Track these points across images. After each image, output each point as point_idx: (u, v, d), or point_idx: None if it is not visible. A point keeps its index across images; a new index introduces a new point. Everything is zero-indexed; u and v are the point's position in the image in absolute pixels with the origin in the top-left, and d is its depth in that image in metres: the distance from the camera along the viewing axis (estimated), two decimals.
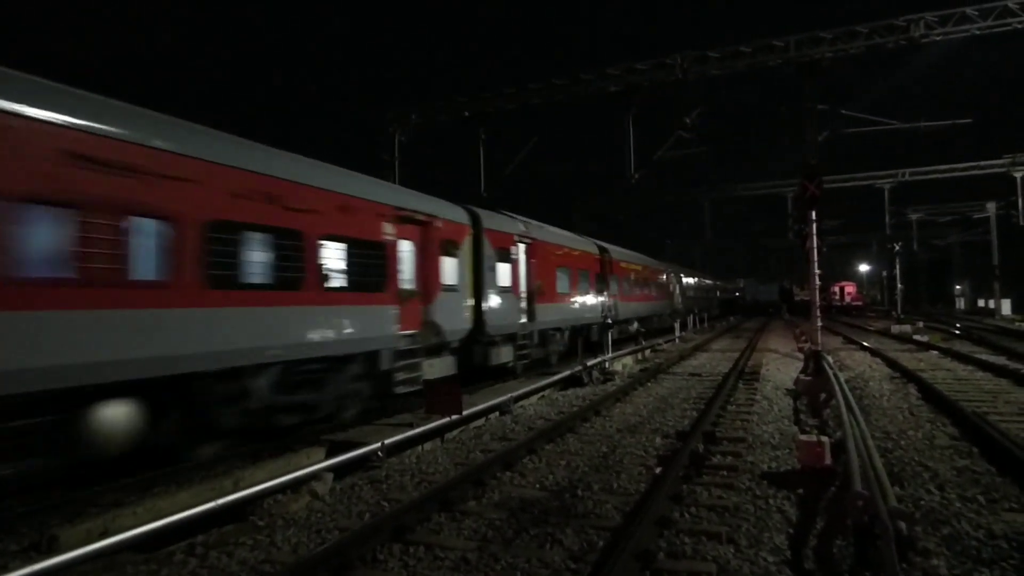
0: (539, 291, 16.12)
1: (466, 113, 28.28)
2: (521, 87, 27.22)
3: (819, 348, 12.34)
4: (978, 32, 21.34)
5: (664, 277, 34.17)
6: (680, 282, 38.83)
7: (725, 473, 6.67)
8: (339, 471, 6.87)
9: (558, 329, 17.63)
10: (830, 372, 10.90)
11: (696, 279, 46.68)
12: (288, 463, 7.16)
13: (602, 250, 22.52)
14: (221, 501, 5.44)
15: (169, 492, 6.15)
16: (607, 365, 15.81)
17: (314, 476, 6.46)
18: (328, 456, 7.28)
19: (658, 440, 8.34)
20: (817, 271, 13.51)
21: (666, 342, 24.86)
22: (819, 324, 13.25)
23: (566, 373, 14.02)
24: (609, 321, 19.57)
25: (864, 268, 73.93)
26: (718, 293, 60.27)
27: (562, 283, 17.90)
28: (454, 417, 8.88)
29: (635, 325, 26.10)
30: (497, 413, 10.39)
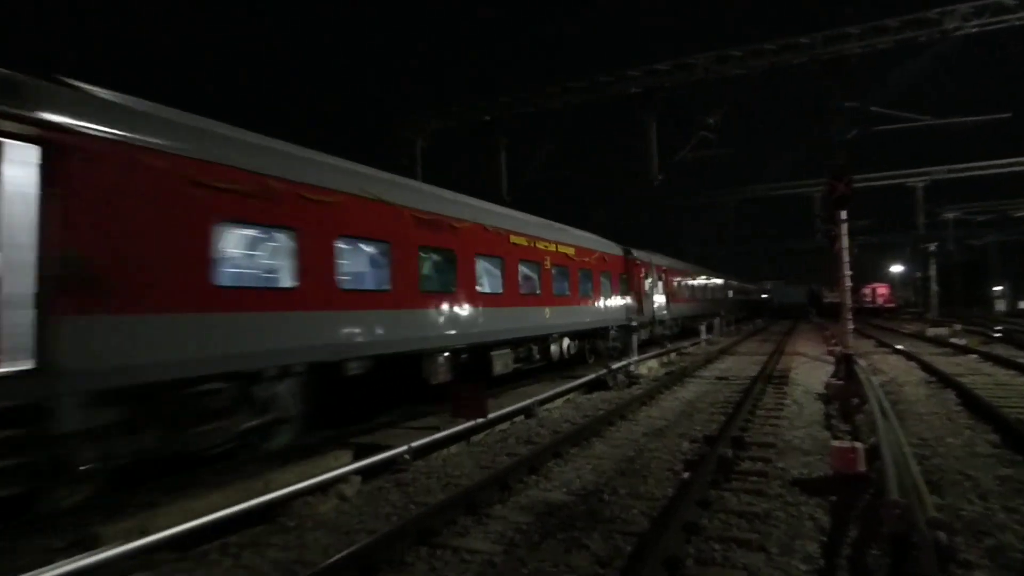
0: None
1: (486, 118, 28.35)
2: (540, 91, 27.21)
3: (850, 351, 12.10)
4: (1018, 23, 20.74)
5: (702, 281, 34.12)
6: (706, 284, 38.45)
7: (754, 479, 6.58)
8: (366, 473, 6.94)
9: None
10: (862, 376, 10.71)
11: (721, 281, 46.17)
12: (316, 465, 7.24)
13: (626, 252, 22.55)
14: (252, 502, 5.54)
15: (202, 493, 6.25)
16: (632, 368, 15.72)
17: (342, 478, 6.54)
18: (355, 459, 7.35)
19: (685, 445, 8.26)
20: (847, 272, 13.25)
21: (692, 345, 24.62)
22: (850, 327, 12.99)
23: (591, 376, 13.97)
24: (634, 324, 19.50)
25: (897, 269, 72.40)
26: (743, 296, 59.50)
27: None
28: (479, 421, 8.91)
29: (666, 324, 26.15)
30: (522, 416, 10.40)
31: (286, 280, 7.56)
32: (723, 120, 25.50)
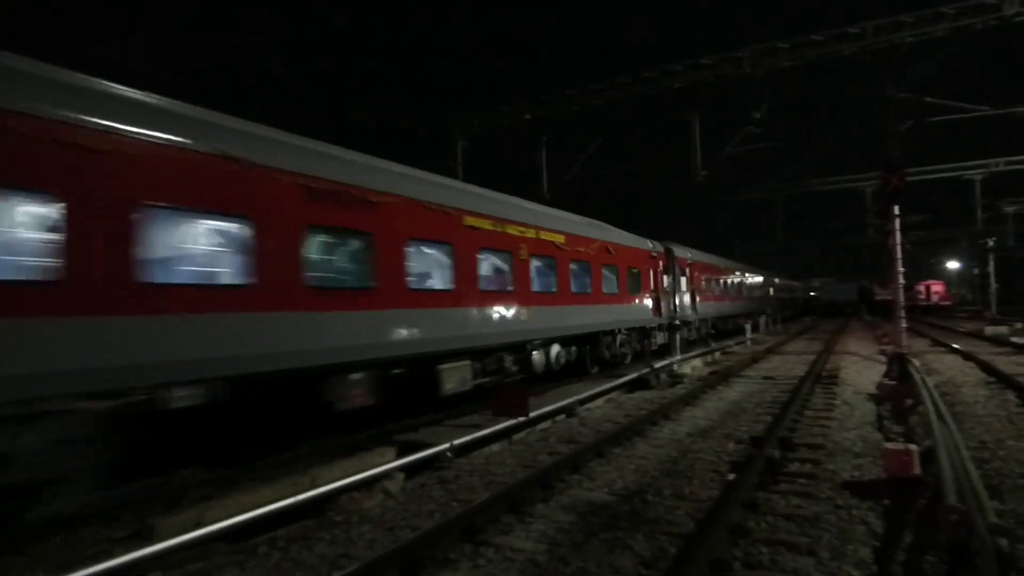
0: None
1: (527, 116, 28.38)
2: (582, 88, 27.09)
3: (904, 351, 11.71)
4: None
5: (742, 278, 33.38)
6: (756, 283, 37.72)
7: (803, 481, 6.42)
8: (410, 470, 7.03)
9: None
10: (916, 376, 10.35)
11: (769, 279, 45.18)
12: (361, 462, 7.38)
13: (667, 250, 22.21)
14: (301, 497, 5.68)
15: (252, 488, 6.45)
16: (675, 367, 15.53)
17: (386, 475, 6.64)
18: (399, 456, 7.47)
19: (731, 446, 8.12)
20: (900, 269, 12.82)
21: (736, 344, 24.17)
22: (903, 325, 12.57)
23: (633, 376, 13.85)
24: (677, 322, 19.24)
25: (953, 266, 69.67)
26: (787, 293, 58.09)
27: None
28: (521, 419, 8.93)
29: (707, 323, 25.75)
30: (563, 415, 10.38)
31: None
32: (770, 114, 24.99)
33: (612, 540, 4.99)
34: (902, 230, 12.79)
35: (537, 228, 12.70)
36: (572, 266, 13.87)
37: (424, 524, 5.46)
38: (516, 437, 8.94)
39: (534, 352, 12.42)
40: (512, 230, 11.81)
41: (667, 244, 21.61)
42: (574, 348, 14.35)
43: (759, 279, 41.10)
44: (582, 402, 10.98)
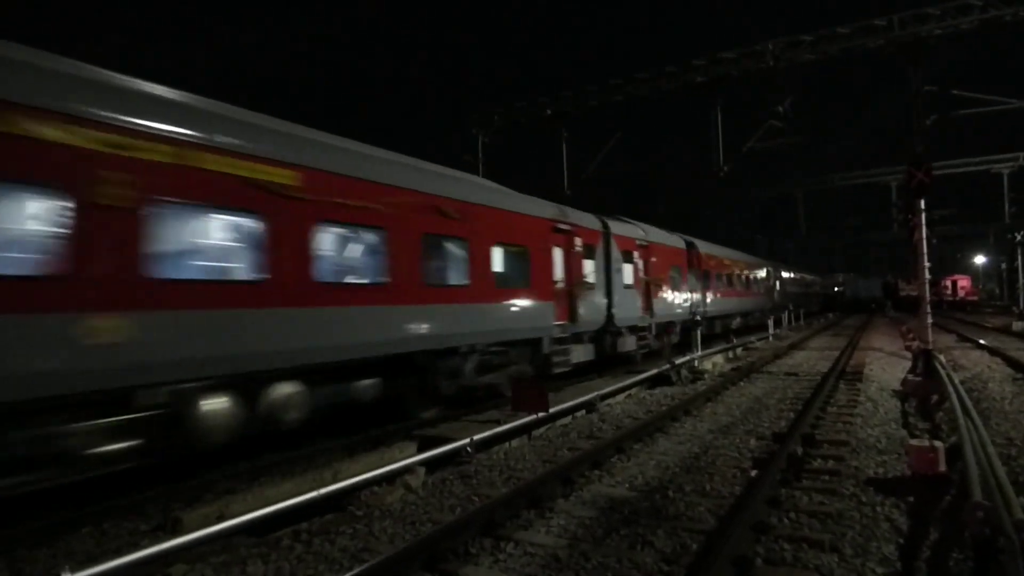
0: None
1: (548, 112, 28.33)
2: (603, 84, 26.95)
3: (929, 346, 11.50)
4: None
5: (757, 273, 32.93)
6: (774, 278, 37.31)
7: (827, 478, 6.35)
8: (430, 465, 7.06)
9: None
10: (942, 372, 10.18)
11: (791, 274, 44.66)
12: (382, 457, 7.45)
13: (690, 245, 21.91)
14: (323, 491, 5.73)
15: (274, 482, 6.55)
16: (696, 364, 15.42)
17: (407, 470, 6.68)
18: (419, 451, 7.52)
19: (752, 442, 8.05)
20: (926, 264, 12.59)
21: (759, 340, 23.93)
22: (929, 321, 12.34)
23: (653, 371, 13.78)
24: (698, 318, 19.06)
25: (980, 260, 68.33)
26: (815, 289, 57.37)
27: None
28: (540, 415, 8.94)
29: (737, 320, 25.28)
30: (584, 411, 10.37)
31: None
32: (793, 108, 24.68)
33: (633, 536, 4.97)
34: (928, 225, 12.55)
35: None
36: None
37: (445, 519, 5.48)
38: (536, 433, 8.95)
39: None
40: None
41: (689, 239, 21.36)
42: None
43: (782, 274, 40.63)
44: (602, 398, 10.94)
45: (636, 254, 17.25)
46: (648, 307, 17.75)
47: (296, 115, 8.33)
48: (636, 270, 17.19)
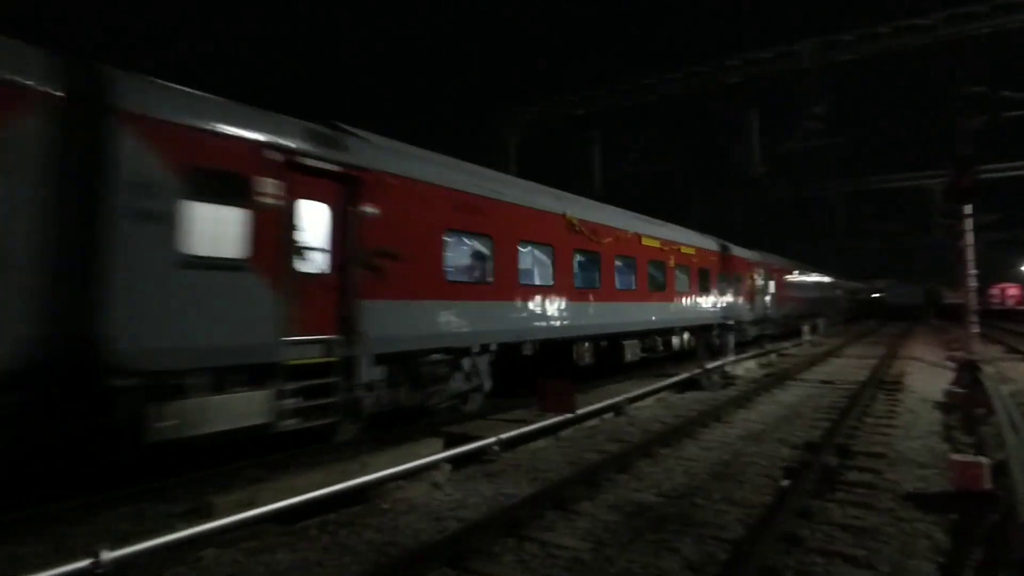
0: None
1: (579, 112, 28.11)
2: (635, 84, 26.63)
3: (975, 357, 11.12)
4: None
5: (800, 278, 32.47)
6: (812, 283, 36.58)
7: (862, 491, 6.16)
8: (456, 462, 7.07)
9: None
10: (988, 384, 9.83)
11: (828, 279, 43.69)
12: (409, 451, 7.48)
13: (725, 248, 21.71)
14: (350, 483, 5.78)
15: (303, 472, 6.62)
16: (728, 369, 15.17)
17: (434, 465, 6.70)
18: (446, 447, 7.53)
19: (784, 451, 7.87)
20: (972, 271, 12.15)
21: (794, 346, 23.45)
22: (974, 330, 11.92)
23: (683, 375, 13.60)
24: (731, 322, 18.80)
25: None
26: (853, 295, 56.02)
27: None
28: (567, 416, 8.88)
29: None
30: (611, 413, 10.27)
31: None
32: (831, 108, 24.10)
33: (659, 542, 4.90)
34: (974, 230, 12.12)
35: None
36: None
37: (469, 516, 5.48)
38: (563, 434, 8.89)
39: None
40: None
41: (724, 243, 21.13)
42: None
43: (818, 279, 39.77)
44: (631, 401, 10.83)
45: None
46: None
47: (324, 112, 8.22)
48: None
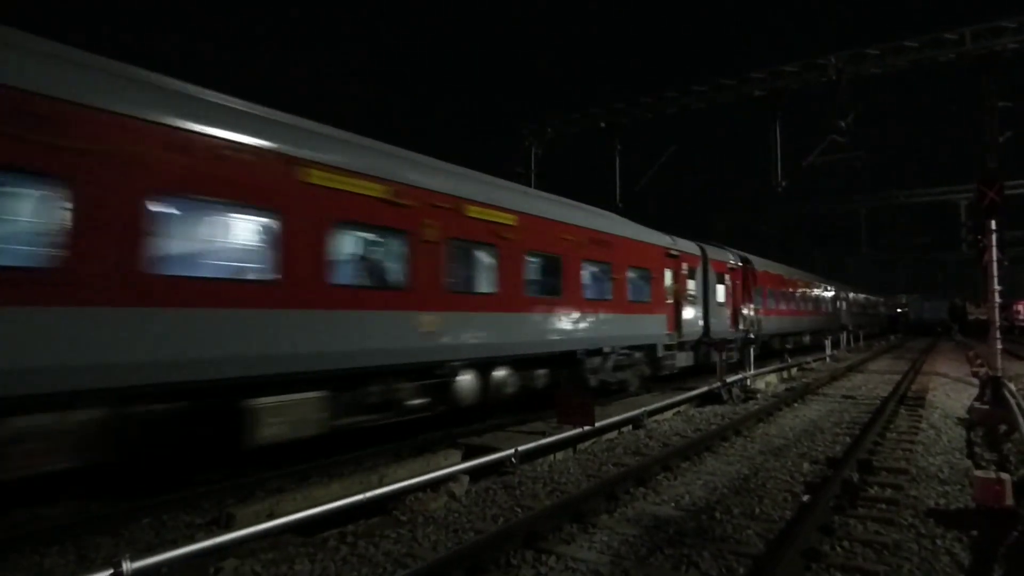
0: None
1: (602, 124, 28.22)
2: (658, 96, 26.69)
3: (999, 373, 10.92)
4: None
5: (819, 292, 32.09)
6: (836, 298, 36.16)
7: (883, 506, 6.09)
8: (474, 474, 7.09)
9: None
10: (1012, 401, 9.66)
11: (852, 294, 43.15)
12: (427, 463, 7.54)
13: (745, 260, 21.52)
14: (369, 494, 5.83)
15: (323, 483, 6.70)
16: (748, 383, 15.04)
17: (452, 477, 6.73)
18: (464, 459, 7.56)
19: (806, 466, 7.80)
20: (997, 287, 11.97)
21: (815, 360, 23.17)
22: (999, 346, 11.71)
23: (703, 389, 13.51)
24: (751, 336, 18.65)
25: None
26: (877, 309, 55.21)
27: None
28: (586, 428, 8.87)
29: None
30: (631, 427, 10.24)
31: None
32: (856, 122, 23.92)
33: (678, 556, 4.88)
34: (999, 246, 11.95)
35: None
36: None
37: (487, 528, 5.50)
38: (581, 446, 8.89)
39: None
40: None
41: (701, 243, 20.95)
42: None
43: (841, 294, 39.27)
44: (650, 414, 10.79)
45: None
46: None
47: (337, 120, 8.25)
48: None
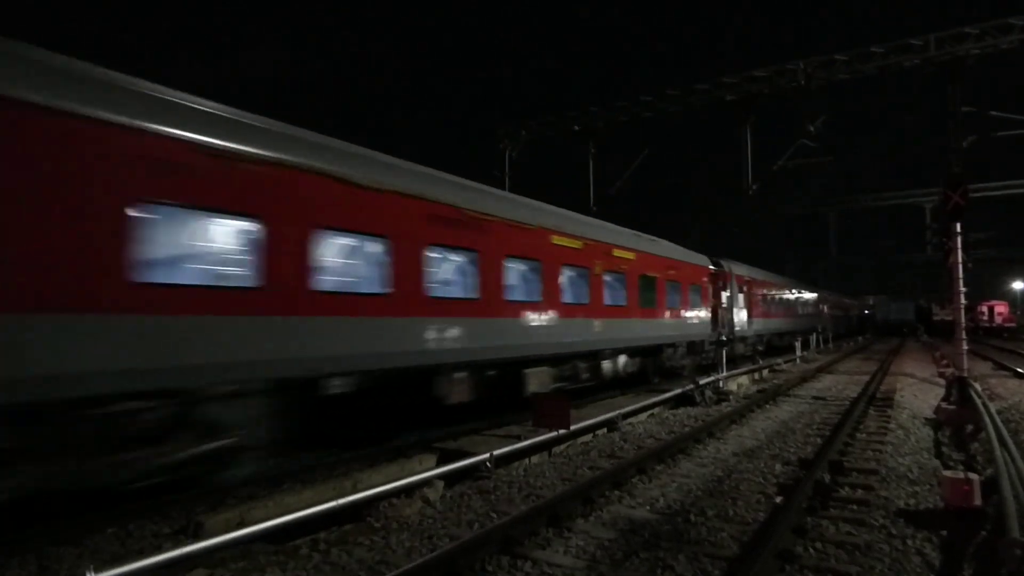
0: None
1: (576, 128, 28.37)
2: (633, 100, 26.92)
3: (964, 374, 11.18)
4: None
5: (793, 296, 32.72)
6: (804, 299, 36.79)
7: (855, 507, 6.18)
8: (449, 479, 7.03)
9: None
10: (978, 401, 9.89)
11: (820, 296, 43.94)
12: (402, 468, 7.45)
13: (716, 264, 21.87)
14: (342, 501, 5.74)
15: (295, 490, 6.57)
16: (721, 385, 15.19)
17: (426, 483, 6.66)
18: (439, 464, 7.49)
19: (778, 467, 7.89)
20: (962, 289, 12.26)
21: (786, 362, 23.53)
22: (964, 347, 12.00)
23: (677, 391, 13.61)
24: (724, 338, 18.87)
25: (1019, 286, 66.52)
26: (845, 311, 56.36)
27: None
28: (561, 432, 8.86)
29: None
30: (605, 429, 10.26)
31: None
32: (825, 126, 24.41)
33: (653, 560, 4.88)
34: (964, 248, 12.24)
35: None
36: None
37: (462, 534, 5.44)
38: (556, 450, 8.88)
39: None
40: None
41: (720, 260, 21.28)
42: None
43: (810, 296, 39.97)
44: (624, 416, 10.83)
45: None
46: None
47: (318, 126, 8.02)
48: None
